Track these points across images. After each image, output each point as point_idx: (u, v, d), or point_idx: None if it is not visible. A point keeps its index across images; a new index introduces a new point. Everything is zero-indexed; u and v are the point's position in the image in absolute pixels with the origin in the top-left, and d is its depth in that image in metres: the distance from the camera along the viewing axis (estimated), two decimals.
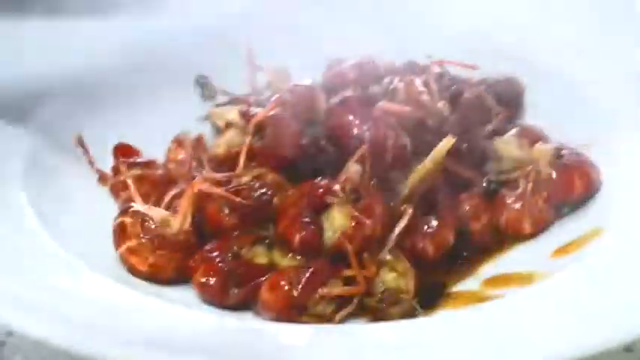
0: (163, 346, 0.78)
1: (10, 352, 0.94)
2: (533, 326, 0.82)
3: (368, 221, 0.92)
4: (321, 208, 0.94)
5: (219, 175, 0.98)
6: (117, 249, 0.96)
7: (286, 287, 0.89)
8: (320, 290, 0.89)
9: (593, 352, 0.76)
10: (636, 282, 0.85)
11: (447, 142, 0.98)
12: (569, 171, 1.02)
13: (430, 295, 0.94)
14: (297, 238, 0.94)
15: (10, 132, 1.06)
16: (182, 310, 0.87)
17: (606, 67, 1.14)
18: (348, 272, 0.91)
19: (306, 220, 0.94)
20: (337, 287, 0.90)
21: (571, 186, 1.02)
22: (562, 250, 0.97)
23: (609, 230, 0.95)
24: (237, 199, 0.95)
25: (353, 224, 0.92)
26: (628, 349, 0.94)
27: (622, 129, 1.07)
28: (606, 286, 0.86)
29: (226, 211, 0.96)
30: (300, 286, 0.89)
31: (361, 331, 0.87)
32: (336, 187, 0.93)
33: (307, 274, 0.90)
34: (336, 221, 0.92)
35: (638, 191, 0.98)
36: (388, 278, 0.92)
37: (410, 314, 0.91)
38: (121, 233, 0.96)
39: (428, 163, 0.99)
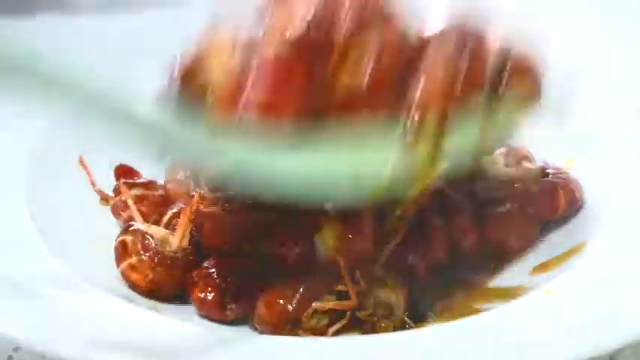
0: (166, 357, 0.81)
1: None
2: (518, 338, 0.85)
3: (357, 240, 0.95)
4: (314, 228, 0.96)
5: (217, 194, 1.00)
6: (118, 266, 0.99)
7: (282, 302, 0.92)
8: (314, 304, 0.92)
9: None
10: (618, 294, 0.89)
11: (437, 169, 0.99)
12: (554, 188, 1.05)
13: (421, 308, 0.97)
14: (291, 255, 0.96)
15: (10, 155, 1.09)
16: (184, 324, 0.91)
17: (587, 83, 1.16)
18: (340, 287, 0.94)
19: (300, 238, 0.97)
20: (331, 302, 0.93)
21: (556, 203, 1.05)
22: (543, 267, 1.01)
23: (591, 246, 0.98)
24: (235, 217, 0.98)
25: (343, 244, 0.94)
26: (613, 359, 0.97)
27: (603, 147, 1.10)
28: (589, 298, 0.89)
29: (224, 228, 0.98)
30: (294, 301, 0.92)
31: (354, 343, 0.90)
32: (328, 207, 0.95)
33: (301, 290, 0.93)
34: (327, 240, 0.95)
35: (621, 207, 1.02)
36: (379, 293, 0.95)
37: (401, 327, 0.94)
38: (122, 251, 0.99)
39: (420, 185, 1.01)
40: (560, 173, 1.07)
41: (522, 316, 0.89)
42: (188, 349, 0.84)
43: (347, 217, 0.95)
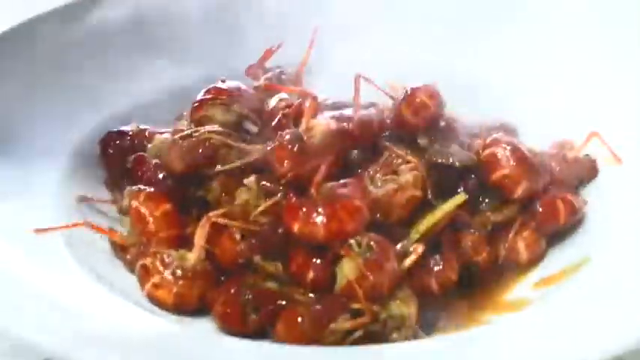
0: None
1: None
2: (525, 347, 0.89)
3: (377, 278, 0.97)
4: (331, 255, 0.99)
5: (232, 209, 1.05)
6: (143, 289, 1.03)
7: (300, 324, 0.96)
8: (331, 326, 0.95)
9: None
10: (623, 300, 0.93)
11: (459, 198, 1.06)
12: (553, 201, 1.10)
13: (432, 319, 1.01)
14: (309, 277, 1.00)
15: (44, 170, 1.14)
16: (209, 335, 0.97)
17: (590, 104, 1.23)
18: (356, 305, 0.96)
19: (319, 261, 1.00)
20: (347, 322, 0.96)
21: (557, 214, 1.10)
22: (545, 281, 1.06)
23: (595, 259, 1.03)
24: (252, 227, 1.02)
25: (362, 279, 0.96)
26: None
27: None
28: (593, 305, 0.94)
29: (239, 241, 1.03)
30: (313, 324, 0.95)
31: (369, 353, 0.93)
32: (352, 241, 0.99)
33: (318, 311, 0.96)
34: (347, 273, 0.97)
35: (622, 222, 1.07)
36: (392, 306, 0.98)
37: (412, 338, 0.97)
38: (144, 274, 1.03)
39: (438, 213, 1.05)
40: (559, 185, 1.12)
41: (529, 326, 0.94)
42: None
43: (369, 251, 0.98)
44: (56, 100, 1.23)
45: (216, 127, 1.11)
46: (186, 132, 1.11)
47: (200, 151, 1.08)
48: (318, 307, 0.97)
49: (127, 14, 1.33)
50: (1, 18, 1.30)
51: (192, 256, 1.03)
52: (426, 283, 1.04)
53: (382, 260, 0.98)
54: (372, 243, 0.98)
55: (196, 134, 1.09)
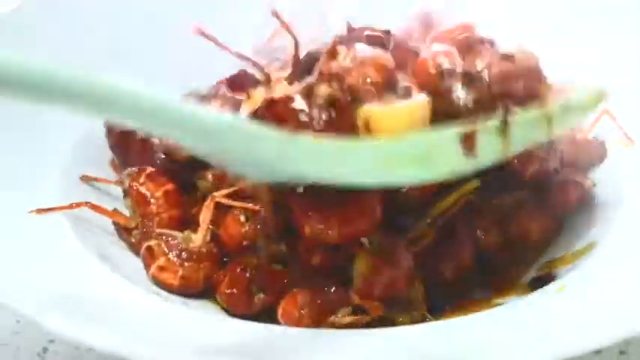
0: (204, 349, 0.84)
1: (52, 359, 1.01)
2: (532, 331, 0.88)
3: (387, 275, 0.96)
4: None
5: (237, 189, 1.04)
6: (148, 271, 1.02)
7: (301, 313, 0.95)
8: (331, 319, 0.95)
9: (589, 351, 0.82)
10: (632, 284, 0.92)
11: (471, 185, 1.03)
12: (564, 183, 1.09)
13: (439, 302, 1.00)
14: (315, 260, 0.98)
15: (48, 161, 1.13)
16: (214, 317, 0.97)
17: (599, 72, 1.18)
18: (357, 302, 0.96)
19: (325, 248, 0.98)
20: (347, 317, 0.95)
21: (568, 196, 1.09)
22: (555, 264, 1.06)
23: (602, 245, 1.02)
24: (256, 208, 1.01)
25: (374, 274, 0.96)
26: (622, 352, 1.00)
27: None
28: (600, 293, 0.93)
29: (244, 223, 1.02)
30: (312, 314, 0.95)
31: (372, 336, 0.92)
32: (364, 239, 0.97)
33: (319, 301, 0.96)
34: (360, 267, 0.96)
35: (632, 205, 1.06)
36: None
37: (420, 321, 0.97)
38: (148, 256, 1.02)
39: (450, 199, 1.03)
40: (570, 168, 1.11)
41: (537, 310, 0.93)
42: (221, 341, 0.88)
43: (382, 247, 0.97)
44: None
45: None
46: None
47: None
48: (319, 299, 0.96)
49: None
50: None
51: (198, 238, 1.02)
52: (440, 270, 1.03)
53: (396, 255, 0.97)
54: (383, 241, 0.97)
55: None
